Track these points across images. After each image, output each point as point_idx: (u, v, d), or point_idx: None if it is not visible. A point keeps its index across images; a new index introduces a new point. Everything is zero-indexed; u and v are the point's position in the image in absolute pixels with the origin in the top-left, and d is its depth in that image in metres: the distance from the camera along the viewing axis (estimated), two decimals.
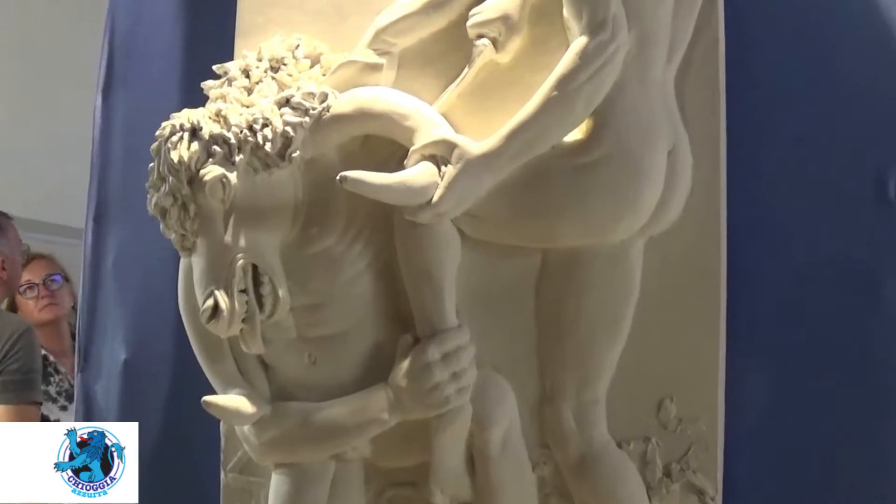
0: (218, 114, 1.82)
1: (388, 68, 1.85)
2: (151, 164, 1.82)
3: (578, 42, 1.71)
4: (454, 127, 1.80)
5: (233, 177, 1.78)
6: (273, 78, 1.86)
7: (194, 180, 1.79)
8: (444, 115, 1.82)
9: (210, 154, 1.79)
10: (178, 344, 2.09)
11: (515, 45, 1.80)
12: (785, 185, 1.98)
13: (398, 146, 1.81)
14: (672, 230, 1.84)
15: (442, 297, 1.82)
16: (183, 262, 1.93)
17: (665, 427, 1.85)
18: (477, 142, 1.75)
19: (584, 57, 1.70)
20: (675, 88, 1.84)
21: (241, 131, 1.79)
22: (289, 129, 1.79)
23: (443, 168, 1.75)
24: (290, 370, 1.91)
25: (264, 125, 1.80)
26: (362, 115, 1.81)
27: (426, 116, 1.80)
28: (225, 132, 1.79)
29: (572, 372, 1.85)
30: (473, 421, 1.84)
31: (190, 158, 1.78)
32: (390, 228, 1.84)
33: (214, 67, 1.92)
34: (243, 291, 1.79)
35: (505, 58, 1.81)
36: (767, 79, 1.99)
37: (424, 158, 1.77)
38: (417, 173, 1.75)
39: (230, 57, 1.96)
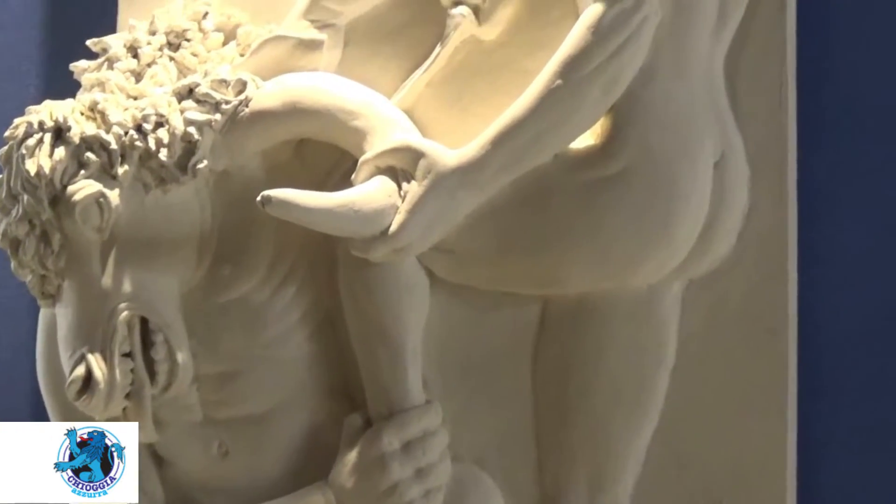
0: (93, 108, 1.75)
1: (331, 47, 1.79)
2: None
3: (591, 11, 1.65)
4: (420, 128, 1.74)
5: (113, 195, 1.72)
6: (171, 59, 1.80)
7: (59, 200, 1.72)
8: (407, 112, 1.75)
9: (82, 164, 1.73)
10: None
11: (505, 15, 1.74)
12: (881, 203, 1.85)
13: (343, 155, 1.75)
14: (721, 270, 1.77)
15: (403, 364, 1.76)
16: (43, 315, 1.87)
17: None
18: (452, 149, 1.69)
19: (599, 32, 1.64)
20: (726, 74, 1.76)
21: (126, 133, 1.73)
22: (192, 130, 1.73)
23: (404, 185, 1.69)
24: (193, 465, 1.84)
25: (158, 124, 1.73)
26: (294, 112, 1.75)
27: (382, 114, 1.73)
28: (103, 134, 1.73)
29: (584, 465, 1.78)
30: None
31: (53, 170, 1.72)
32: (333, 268, 1.78)
33: (89, 43, 1.84)
34: (127, 356, 1.71)
35: (490, 33, 1.74)
36: (855, 58, 1.86)
37: (380, 172, 1.70)
38: (369, 192, 1.68)
39: (112, 29, 1.90)
